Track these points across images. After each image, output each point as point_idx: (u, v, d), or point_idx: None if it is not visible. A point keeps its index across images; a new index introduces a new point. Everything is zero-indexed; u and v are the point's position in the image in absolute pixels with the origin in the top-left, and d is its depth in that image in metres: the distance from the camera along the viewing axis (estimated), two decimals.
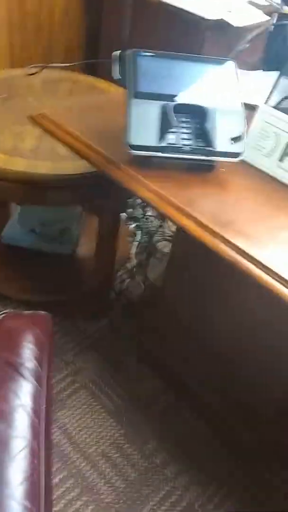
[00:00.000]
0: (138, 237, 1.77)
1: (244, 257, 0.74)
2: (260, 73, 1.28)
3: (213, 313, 1.24)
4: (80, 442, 1.25)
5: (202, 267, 1.19)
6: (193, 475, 1.22)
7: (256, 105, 0.93)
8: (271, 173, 0.90)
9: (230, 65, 0.92)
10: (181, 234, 0.86)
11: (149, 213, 1.84)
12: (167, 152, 0.84)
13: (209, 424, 1.31)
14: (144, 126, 0.84)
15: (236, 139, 0.86)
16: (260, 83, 1.16)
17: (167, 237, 1.75)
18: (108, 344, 1.47)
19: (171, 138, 0.84)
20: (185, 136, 0.85)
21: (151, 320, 1.45)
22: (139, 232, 1.78)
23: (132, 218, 1.83)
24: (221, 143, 0.85)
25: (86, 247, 1.59)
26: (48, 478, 0.71)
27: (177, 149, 0.85)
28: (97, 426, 1.28)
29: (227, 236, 0.77)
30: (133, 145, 0.83)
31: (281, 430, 1.23)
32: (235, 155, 0.86)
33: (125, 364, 1.42)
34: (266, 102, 1.06)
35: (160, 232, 1.77)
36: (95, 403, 1.33)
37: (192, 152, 0.85)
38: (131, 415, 1.31)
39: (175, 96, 0.87)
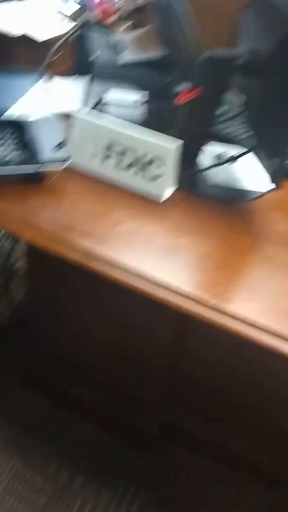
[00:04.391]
0: None
1: (90, 257, 0.76)
2: (74, 79, 1.31)
3: (82, 319, 1.25)
4: None
5: (58, 276, 1.20)
6: (100, 481, 1.23)
7: (73, 112, 0.96)
8: (97, 174, 0.93)
9: (37, 76, 0.94)
10: (32, 248, 0.86)
11: None
12: None
13: (104, 425, 1.32)
14: None
15: (59, 146, 0.88)
16: (75, 89, 1.19)
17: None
18: None
19: None
20: (10, 150, 0.85)
21: (26, 342, 1.41)
22: None
23: None
24: (45, 152, 0.86)
25: None
26: None
27: (4, 164, 0.84)
28: None
29: (70, 239, 0.78)
30: None
31: (169, 414, 1.29)
32: (61, 161, 0.88)
33: (8, 392, 1.38)
34: (83, 107, 1.09)
35: (17, 251, 1.73)
36: None
37: (19, 165, 0.85)
38: (26, 442, 1.28)
39: None
